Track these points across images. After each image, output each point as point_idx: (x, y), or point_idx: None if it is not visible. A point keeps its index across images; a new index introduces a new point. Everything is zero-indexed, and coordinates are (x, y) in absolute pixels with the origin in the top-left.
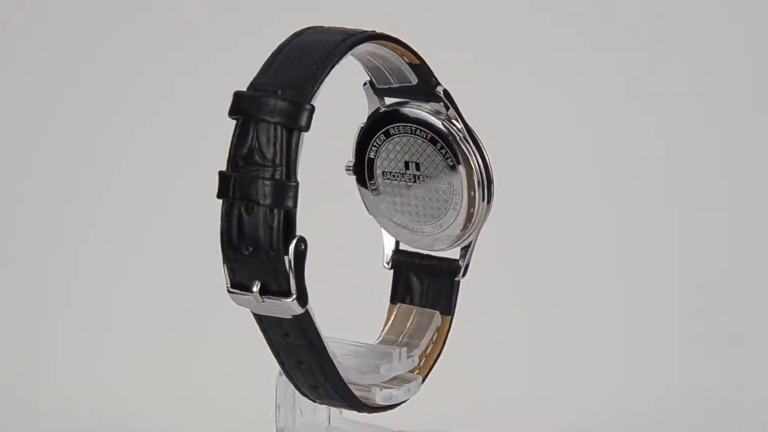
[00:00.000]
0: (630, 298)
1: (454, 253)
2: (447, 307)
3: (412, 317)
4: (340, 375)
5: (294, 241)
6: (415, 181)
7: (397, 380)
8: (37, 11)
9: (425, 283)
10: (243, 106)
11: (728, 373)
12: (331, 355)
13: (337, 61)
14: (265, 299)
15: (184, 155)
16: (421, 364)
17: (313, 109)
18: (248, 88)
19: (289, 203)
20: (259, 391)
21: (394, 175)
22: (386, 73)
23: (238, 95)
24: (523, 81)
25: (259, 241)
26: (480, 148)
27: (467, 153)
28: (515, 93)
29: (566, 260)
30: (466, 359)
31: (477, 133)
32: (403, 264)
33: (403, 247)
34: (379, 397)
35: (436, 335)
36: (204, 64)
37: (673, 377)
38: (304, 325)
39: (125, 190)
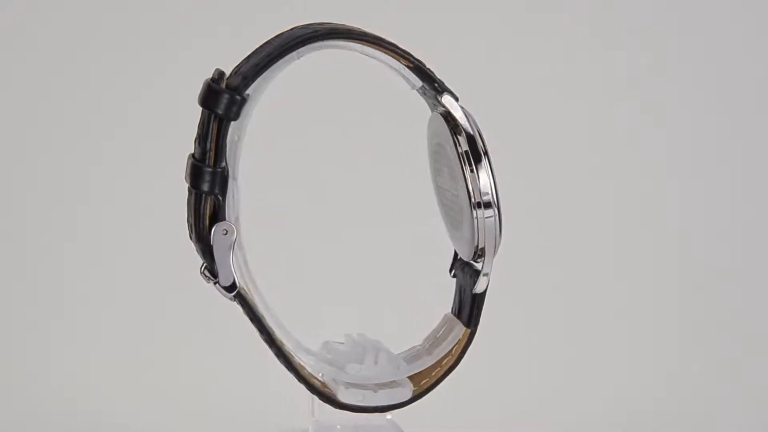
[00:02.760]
0: (630, 300)
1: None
2: (467, 319)
3: (445, 324)
4: (291, 363)
5: (215, 227)
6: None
7: (388, 385)
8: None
9: (459, 292)
10: (200, 95)
11: (728, 372)
12: (279, 343)
13: (285, 56)
14: (211, 282)
15: (174, 150)
16: (433, 373)
17: (242, 100)
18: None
19: (216, 189)
20: (258, 390)
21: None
22: (398, 75)
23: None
24: (524, 81)
25: (193, 224)
26: (480, 159)
27: (466, 163)
28: (515, 93)
29: (567, 262)
30: (467, 360)
31: (482, 143)
32: (456, 272)
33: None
34: (341, 395)
35: (455, 346)
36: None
37: (673, 377)
38: (248, 309)
39: (118, 190)
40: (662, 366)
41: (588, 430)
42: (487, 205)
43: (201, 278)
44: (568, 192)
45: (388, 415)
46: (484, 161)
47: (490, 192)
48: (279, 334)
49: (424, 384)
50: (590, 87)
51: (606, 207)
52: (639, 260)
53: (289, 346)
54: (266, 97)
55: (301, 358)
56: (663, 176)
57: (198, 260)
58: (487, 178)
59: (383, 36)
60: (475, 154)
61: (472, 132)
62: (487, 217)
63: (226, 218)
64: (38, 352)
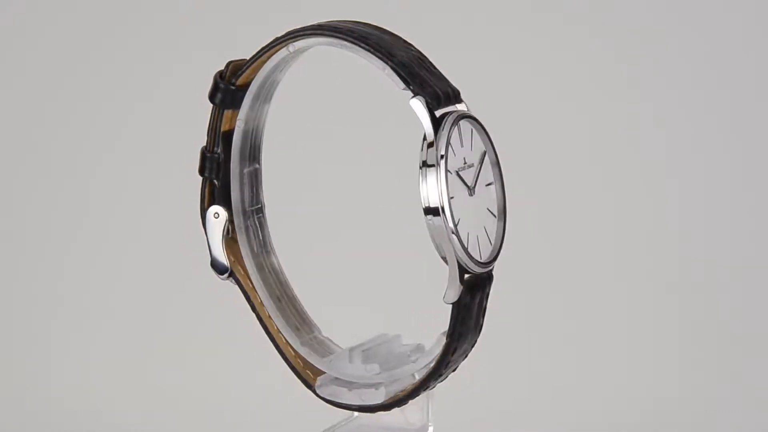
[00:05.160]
0: (630, 301)
1: None
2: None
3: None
4: (278, 346)
5: (208, 210)
6: None
7: (364, 385)
8: (25, 8)
9: None
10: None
11: (728, 372)
12: (274, 329)
13: (275, 49)
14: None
15: (178, 148)
16: (419, 378)
17: (235, 90)
18: None
19: (212, 174)
20: (258, 390)
21: None
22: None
23: None
24: (523, 81)
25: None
26: (433, 165)
27: (420, 168)
28: (513, 93)
29: (566, 262)
30: (468, 360)
31: (444, 149)
32: None
33: None
34: (317, 387)
35: (436, 355)
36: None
37: (673, 377)
38: (243, 291)
39: (118, 190)
40: (662, 366)
41: (588, 430)
42: (434, 211)
43: (202, 276)
44: (568, 192)
45: (430, 425)
46: (438, 167)
47: (438, 199)
48: (278, 320)
49: (405, 390)
50: (589, 87)
51: (606, 207)
52: (639, 260)
53: (285, 333)
54: (282, 93)
55: (297, 349)
56: (663, 176)
57: (199, 256)
58: (436, 185)
59: (377, 34)
60: (430, 158)
61: (431, 136)
62: (436, 225)
63: (232, 204)
64: (38, 351)
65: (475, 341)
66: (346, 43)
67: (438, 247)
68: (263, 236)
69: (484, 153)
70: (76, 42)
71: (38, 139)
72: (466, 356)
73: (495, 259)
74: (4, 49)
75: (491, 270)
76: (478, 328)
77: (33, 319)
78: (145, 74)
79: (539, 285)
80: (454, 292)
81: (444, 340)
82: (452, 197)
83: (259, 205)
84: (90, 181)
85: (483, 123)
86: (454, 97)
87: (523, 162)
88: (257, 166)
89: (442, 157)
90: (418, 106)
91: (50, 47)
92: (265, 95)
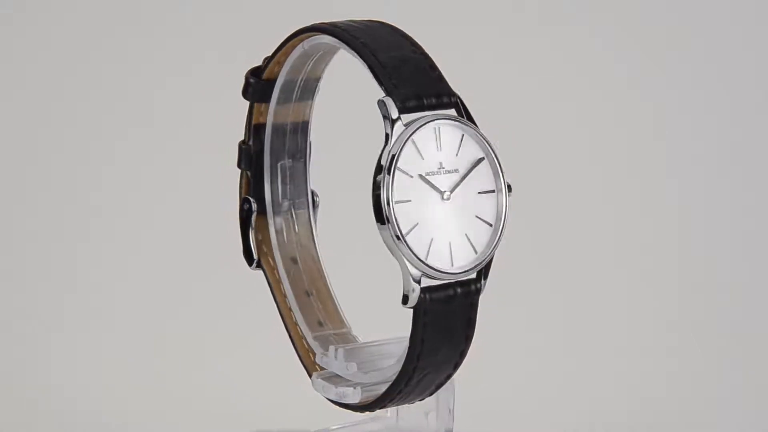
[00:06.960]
0: (630, 301)
1: None
2: None
3: None
4: (293, 339)
5: (243, 201)
6: None
7: (347, 383)
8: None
9: None
10: None
11: (728, 372)
12: (285, 317)
13: (291, 45)
14: None
15: (190, 144)
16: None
17: (266, 84)
18: None
19: (247, 166)
20: (266, 388)
21: None
22: None
23: None
24: (522, 80)
25: None
26: (381, 171)
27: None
28: (513, 92)
29: (566, 262)
30: (468, 359)
31: (396, 157)
32: None
33: None
34: (313, 380)
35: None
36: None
37: (673, 377)
38: (267, 281)
39: (126, 190)
40: (662, 366)
41: (588, 430)
42: (379, 214)
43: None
44: (568, 193)
45: (452, 429)
46: (386, 171)
47: (383, 202)
48: (298, 313)
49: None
50: (588, 86)
51: (606, 207)
52: (639, 260)
53: (302, 327)
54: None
55: (310, 342)
56: (663, 176)
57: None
58: (383, 188)
59: (374, 33)
60: (383, 160)
61: (387, 137)
62: (381, 229)
63: (265, 196)
64: (40, 350)
65: (463, 351)
66: (338, 41)
67: (390, 251)
68: (303, 230)
69: (480, 160)
70: (87, 42)
71: (49, 133)
72: (455, 366)
73: (477, 268)
74: (31, 42)
75: (477, 279)
76: (464, 338)
77: (37, 318)
78: (180, 68)
79: (540, 286)
80: (410, 298)
81: None
82: (407, 200)
83: (301, 199)
84: (99, 177)
85: (480, 128)
86: (448, 101)
87: (522, 162)
88: (301, 160)
89: (392, 159)
90: (382, 107)
91: (60, 47)
92: (300, 91)
